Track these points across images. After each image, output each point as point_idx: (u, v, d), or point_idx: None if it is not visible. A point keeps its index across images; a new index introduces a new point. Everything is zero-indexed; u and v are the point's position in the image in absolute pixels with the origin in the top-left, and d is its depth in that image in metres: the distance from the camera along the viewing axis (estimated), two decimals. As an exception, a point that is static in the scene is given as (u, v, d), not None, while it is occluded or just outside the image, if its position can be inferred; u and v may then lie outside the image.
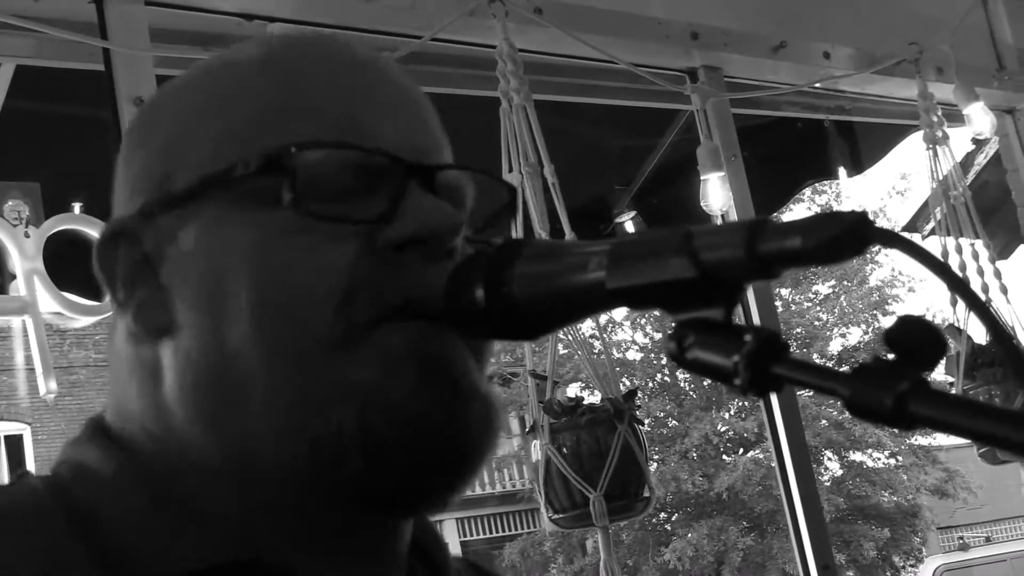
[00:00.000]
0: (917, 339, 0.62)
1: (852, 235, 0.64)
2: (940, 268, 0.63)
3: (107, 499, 0.81)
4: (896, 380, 0.61)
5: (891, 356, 0.62)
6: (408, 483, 0.81)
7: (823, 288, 22.59)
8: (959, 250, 3.48)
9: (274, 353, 0.79)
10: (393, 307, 0.80)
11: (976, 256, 3.49)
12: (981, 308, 0.62)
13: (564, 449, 2.43)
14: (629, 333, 22.02)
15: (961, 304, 3.44)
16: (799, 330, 21.87)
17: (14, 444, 18.77)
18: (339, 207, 0.81)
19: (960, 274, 3.45)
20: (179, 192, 0.84)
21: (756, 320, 3.18)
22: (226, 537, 0.80)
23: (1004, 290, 3.44)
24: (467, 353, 0.83)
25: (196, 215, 0.83)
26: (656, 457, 20.39)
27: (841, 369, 0.65)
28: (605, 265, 0.74)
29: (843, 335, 22.50)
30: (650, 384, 21.43)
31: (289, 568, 0.81)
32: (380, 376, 0.79)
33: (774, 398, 3.06)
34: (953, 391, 3.40)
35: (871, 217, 0.64)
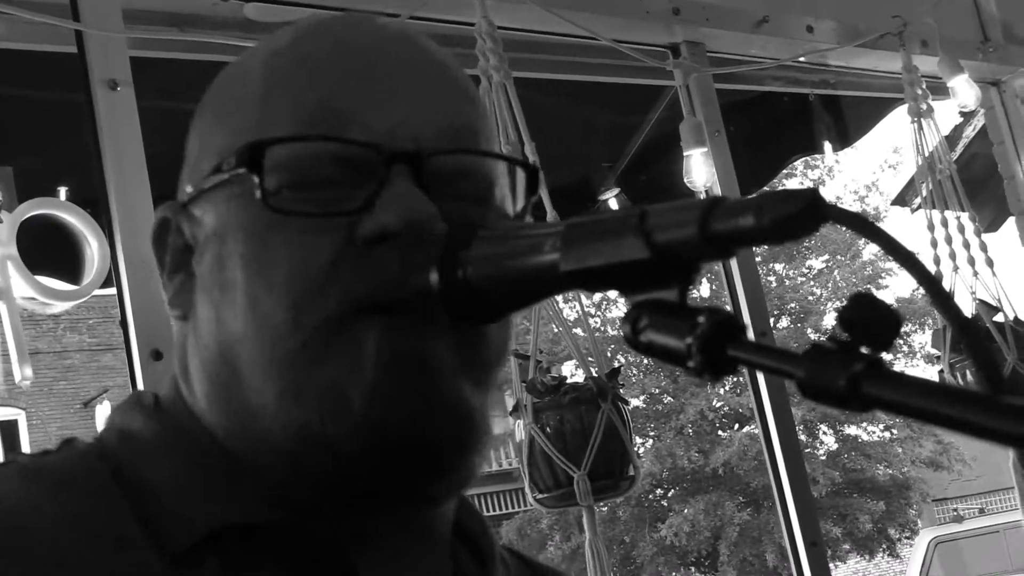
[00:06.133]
0: (871, 318, 0.61)
1: (806, 213, 0.63)
2: (891, 246, 0.61)
3: (150, 460, 0.83)
4: (850, 361, 0.60)
5: (846, 336, 0.61)
6: (377, 483, 0.80)
7: (816, 263, 22.59)
8: (944, 223, 3.46)
9: (258, 348, 0.80)
10: (362, 302, 0.78)
11: (962, 229, 3.47)
12: (933, 285, 0.61)
13: (547, 429, 2.41)
14: (625, 310, 22.01)
15: (949, 276, 3.42)
16: (793, 305, 21.88)
17: (9, 429, 18.75)
18: (320, 200, 0.80)
19: (947, 247, 3.43)
20: (200, 185, 0.86)
21: (741, 294, 3.17)
22: (259, 499, 0.81)
23: (990, 263, 3.43)
24: (450, 346, 0.80)
25: (211, 208, 0.85)
26: (652, 433, 20.42)
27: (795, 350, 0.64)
28: (559, 247, 0.73)
29: (837, 309, 22.51)
30: (645, 360, 21.42)
31: (334, 538, 0.81)
32: (344, 376, 0.78)
33: (761, 376, 3.04)
34: (940, 364, 3.39)
35: (823, 194, 0.63)
